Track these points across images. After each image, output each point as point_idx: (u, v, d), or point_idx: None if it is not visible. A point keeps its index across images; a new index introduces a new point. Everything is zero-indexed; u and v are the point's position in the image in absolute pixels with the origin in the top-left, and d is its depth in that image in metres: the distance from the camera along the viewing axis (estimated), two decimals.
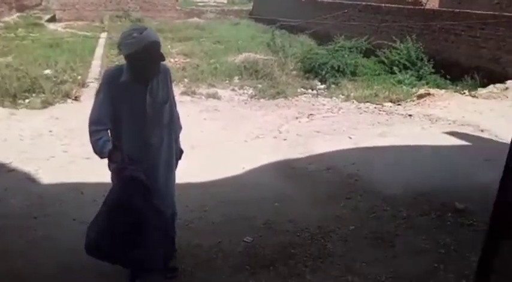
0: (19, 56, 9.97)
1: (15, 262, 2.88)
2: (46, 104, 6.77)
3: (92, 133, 2.41)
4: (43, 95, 7.15)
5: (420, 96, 7.68)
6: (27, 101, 7.00)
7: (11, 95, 7.03)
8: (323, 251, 3.11)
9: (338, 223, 3.50)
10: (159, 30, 15.71)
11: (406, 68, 9.21)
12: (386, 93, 7.87)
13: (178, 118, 2.78)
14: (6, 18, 18.07)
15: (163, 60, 2.44)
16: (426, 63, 9.16)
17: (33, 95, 7.24)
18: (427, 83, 8.69)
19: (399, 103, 7.42)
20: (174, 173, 2.75)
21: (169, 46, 12.70)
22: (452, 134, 5.70)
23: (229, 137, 5.52)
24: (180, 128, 2.80)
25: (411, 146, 5.26)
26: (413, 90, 8.14)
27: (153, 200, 2.35)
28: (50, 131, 5.52)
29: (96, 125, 2.43)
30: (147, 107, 2.47)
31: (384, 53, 9.74)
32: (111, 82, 2.46)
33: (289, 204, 3.81)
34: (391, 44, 9.79)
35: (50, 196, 3.81)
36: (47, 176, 4.22)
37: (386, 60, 9.60)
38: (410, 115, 6.65)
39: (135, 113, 2.47)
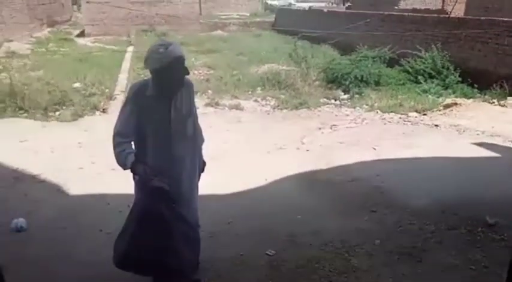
0: (50, 70, 10.33)
1: (43, 274, 2.95)
2: (75, 117, 7.00)
3: (116, 145, 2.48)
4: (73, 108, 7.39)
5: (447, 106, 7.52)
6: (57, 113, 7.25)
7: (42, 107, 7.29)
8: (347, 266, 3.06)
9: (363, 237, 3.45)
10: (183, 44, 16.01)
11: (431, 77, 9.03)
12: (412, 103, 7.73)
13: (201, 131, 2.82)
14: (38, 34, 18.83)
15: (188, 74, 2.50)
16: (452, 72, 8.95)
17: (64, 107, 7.48)
18: (454, 92, 8.48)
19: (425, 113, 7.28)
20: (197, 185, 2.78)
21: (193, 59, 12.92)
22: (481, 145, 5.54)
23: (252, 148, 5.54)
24: (203, 140, 2.85)
25: (438, 157, 5.14)
26: (440, 99, 7.97)
27: (179, 209, 2.38)
28: (79, 143, 5.68)
29: (120, 137, 2.49)
30: (171, 120, 2.52)
31: (408, 62, 9.59)
32: (137, 96, 2.52)
33: (312, 217, 3.77)
34: (415, 53, 9.63)
35: (77, 207, 3.91)
36: (75, 187, 4.34)
37: (410, 70, 9.44)
38: (436, 125, 6.52)
39: (160, 126, 2.53)
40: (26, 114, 7.05)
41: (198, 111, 2.82)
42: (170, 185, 2.41)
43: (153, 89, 2.49)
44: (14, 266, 3.00)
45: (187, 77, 2.62)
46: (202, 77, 10.44)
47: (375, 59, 9.74)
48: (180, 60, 2.41)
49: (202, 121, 2.81)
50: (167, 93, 2.50)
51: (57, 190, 4.29)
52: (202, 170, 2.84)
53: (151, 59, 2.39)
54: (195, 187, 2.77)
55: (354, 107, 7.80)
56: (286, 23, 19.06)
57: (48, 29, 20.90)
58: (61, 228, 3.53)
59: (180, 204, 2.50)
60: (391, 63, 10.06)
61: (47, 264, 3.05)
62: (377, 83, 9.10)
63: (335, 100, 8.42)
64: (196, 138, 2.71)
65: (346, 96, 8.65)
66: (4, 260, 3.07)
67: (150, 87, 2.49)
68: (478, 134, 6.01)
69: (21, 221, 3.51)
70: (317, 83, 9.37)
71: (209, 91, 8.88)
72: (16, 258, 3.11)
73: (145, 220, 2.29)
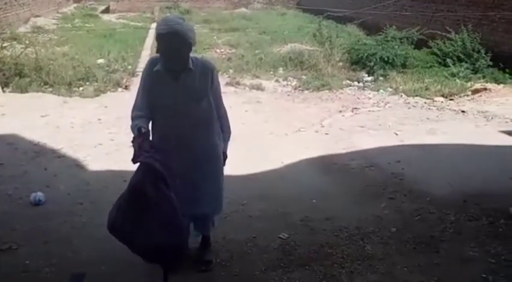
0: (75, 45, 10.44)
1: (59, 246, 3.01)
2: (98, 92, 7.08)
3: (132, 118, 2.49)
4: (96, 84, 7.48)
5: (475, 91, 7.21)
6: (81, 89, 7.35)
7: (67, 83, 7.41)
8: (361, 253, 3.00)
9: (379, 224, 3.37)
10: (206, 21, 15.95)
11: (460, 60, 8.66)
12: (438, 86, 7.46)
13: (226, 121, 2.71)
14: (64, 9, 19.03)
15: (184, 53, 2.41)
16: (483, 55, 8.54)
17: (87, 83, 7.58)
18: (484, 77, 8.12)
19: (452, 98, 7.01)
20: (215, 172, 2.70)
21: (215, 37, 12.82)
22: (509, 133, 5.30)
23: (270, 129, 5.47)
24: (229, 132, 2.74)
25: (463, 144, 4.95)
26: (468, 84, 7.65)
27: (167, 190, 2.25)
28: (99, 119, 5.74)
29: (136, 110, 2.51)
30: (173, 99, 2.48)
31: (437, 44, 9.21)
32: (148, 69, 2.54)
33: (328, 202, 3.71)
34: (445, 35, 9.23)
35: (95, 183, 3.96)
36: (93, 163, 4.40)
37: (439, 52, 9.07)
38: (463, 111, 6.27)
39: (164, 104, 2.51)
40: (50, 89, 7.18)
41: None
42: (169, 165, 2.30)
43: (160, 65, 2.47)
44: (31, 238, 3.09)
45: (209, 60, 2.63)
46: (224, 56, 10.36)
47: (402, 40, 9.40)
48: (172, 36, 2.32)
49: None
50: (170, 69, 2.45)
51: (76, 165, 4.35)
52: (224, 163, 2.74)
53: (156, 28, 2.39)
54: (209, 176, 2.66)
55: (378, 90, 7.59)
56: (312, 2, 18.59)
57: (74, 5, 21.09)
58: (78, 203, 3.59)
59: (182, 187, 2.44)
60: (419, 44, 9.69)
61: (62, 237, 3.12)
62: (403, 65, 8.81)
63: (358, 82, 8.21)
64: (210, 125, 2.60)
65: (370, 79, 8.41)
66: (22, 232, 3.17)
67: (159, 63, 2.48)
68: (506, 122, 5.75)
69: (39, 195, 3.59)
70: (340, 64, 9.14)
71: (230, 70, 8.80)
72: (33, 230, 3.19)
73: (130, 192, 2.26)
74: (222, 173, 2.77)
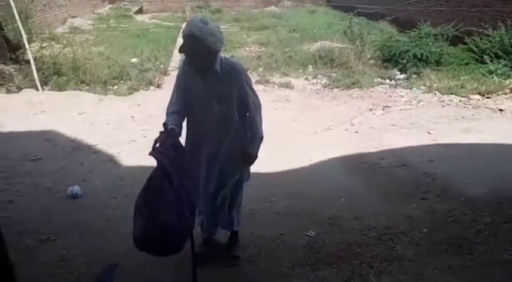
0: (110, 45, 10.76)
1: (94, 238, 3.14)
2: (131, 91, 7.28)
3: (166, 114, 2.59)
4: (129, 82, 7.69)
5: None
6: (115, 87, 7.58)
7: (102, 81, 7.67)
8: (391, 253, 2.96)
9: (410, 225, 3.30)
10: (236, 20, 16.04)
11: (498, 57, 8.30)
12: (475, 84, 7.19)
13: (257, 122, 2.69)
14: (100, 10, 19.61)
15: (204, 56, 2.42)
16: None
17: (121, 82, 7.81)
18: None
19: (488, 96, 6.75)
20: (233, 173, 2.73)
21: (245, 35, 12.86)
22: None
23: (299, 128, 5.46)
24: (260, 134, 2.72)
25: (499, 144, 4.77)
26: (507, 82, 7.32)
27: (168, 190, 2.25)
28: (132, 117, 5.91)
29: (171, 106, 2.61)
30: (199, 98, 2.56)
31: (474, 40, 8.87)
32: (182, 68, 2.64)
33: (357, 201, 3.67)
34: (482, 31, 8.87)
35: (128, 178, 4.08)
36: (127, 159, 4.54)
37: (475, 49, 8.72)
38: (501, 110, 6.03)
39: (192, 102, 2.59)
40: (87, 87, 7.45)
41: None
42: (184, 167, 2.33)
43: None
44: (68, 230, 3.23)
45: (239, 63, 2.68)
46: (253, 54, 10.38)
47: (436, 37, 9.11)
48: (190, 38, 2.36)
49: None
50: (196, 71, 2.52)
51: (110, 160, 4.51)
52: (250, 162, 2.75)
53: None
54: (228, 175, 2.71)
55: (410, 88, 7.40)
56: None
57: (109, 6, 21.69)
58: (112, 197, 3.72)
59: (204, 182, 2.53)
60: (454, 41, 9.37)
61: (97, 229, 3.24)
62: (438, 63, 8.54)
63: (390, 80, 8.03)
64: (232, 126, 2.62)
65: (402, 76, 8.22)
66: (60, 224, 3.31)
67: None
68: None
69: (76, 188, 3.74)
70: (372, 61, 8.98)
71: (260, 68, 8.82)
72: (70, 223, 3.33)
73: (145, 184, 2.32)
74: (242, 173, 2.79)
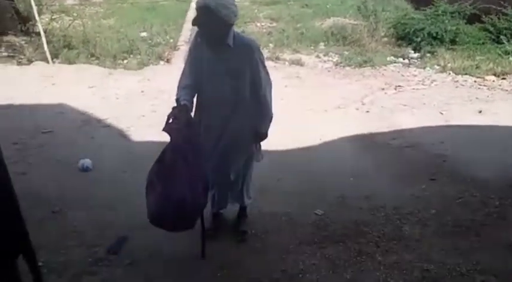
0: (120, 18, 10.65)
1: (104, 211, 3.20)
2: (141, 65, 7.24)
3: (178, 87, 2.56)
4: (139, 57, 7.64)
5: None
6: (125, 61, 7.54)
7: (112, 55, 7.62)
8: (398, 233, 2.97)
9: (418, 205, 3.30)
10: None
11: None
12: (490, 65, 7.01)
13: (268, 102, 2.67)
14: None
15: (216, 29, 2.39)
16: None
17: (131, 56, 7.76)
18: None
19: (504, 77, 6.59)
20: (242, 149, 2.73)
21: (256, 10, 12.60)
22: None
23: (309, 106, 5.40)
24: (270, 113, 2.71)
25: None
26: None
27: (182, 164, 2.28)
28: (142, 91, 5.90)
29: (183, 80, 2.58)
30: (211, 72, 2.51)
31: (491, 19, 8.59)
32: (194, 41, 2.59)
33: (366, 180, 3.67)
34: (500, 10, 8.58)
35: (138, 153, 4.10)
36: (136, 134, 4.56)
37: (492, 28, 8.46)
38: None
39: (204, 75, 2.54)
40: (97, 61, 7.42)
41: None
42: (197, 143, 2.37)
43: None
44: (79, 202, 3.29)
45: (253, 40, 2.65)
46: (264, 30, 10.20)
47: (453, 15, 8.83)
48: (203, 9, 2.33)
49: None
50: (207, 43, 2.47)
51: (120, 135, 4.53)
52: (260, 139, 2.75)
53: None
54: (240, 155, 2.72)
55: (424, 67, 7.25)
56: None
57: None
58: (121, 171, 3.76)
59: (214, 158, 2.55)
60: (471, 19, 9.08)
61: (107, 203, 3.29)
62: (453, 42, 8.31)
63: (403, 59, 7.86)
64: (244, 103, 2.59)
65: (416, 55, 8.04)
66: (71, 196, 3.37)
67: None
68: None
69: (87, 162, 3.78)
70: (385, 39, 8.78)
71: (270, 45, 8.69)
72: (81, 195, 3.39)
73: (158, 157, 2.37)
74: (253, 151, 2.79)
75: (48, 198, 3.33)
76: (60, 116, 4.95)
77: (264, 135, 2.74)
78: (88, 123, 4.79)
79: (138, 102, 5.50)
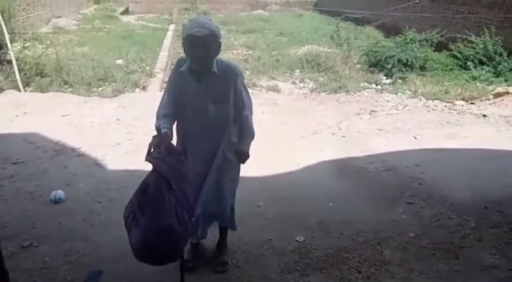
0: (95, 46, 10.62)
1: (79, 243, 3.06)
2: (116, 93, 7.18)
3: (157, 116, 2.52)
4: (114, 84, 7.59)
5: (497, 95, 7.05)
6: (100, 89, 7.47)
7: (86, 83, 7.55)
8: (378, 258, 2.97)
9: (397, 229, 3.32)
10: (223, 23, 16.00)
11: (482, 63, 8.49)
12: (459, 90, 7.32)
13: (249, 121, 2.66)
14: (85, 11, 19.38)
15: (214, 54, 2.43)
16: (505, 58, 8.36)
17: (106, 83, 7.70)
18: (506, 81, 7.93)
19: (472, 102, 6.88)
20: (228, 178, 2.69)
21: (232, 38, 12.85)
22: None
23: (287, 132, 5.45)
24: (252, 135, 2.69)
25: (484, 149, 4.84)
26: (490, 88, 7.49)
27: (167, 194, 2.21)
28: (118, 119, 5.81)
29: (162, 109, 2.55)
30: (194, 100, 2.51)
31: (458, 46, 9.05)
32: (175, 70, 2.59)
33: (345, 205, 3.68)
34: (465, 37, 9.06)
35: (114, 182, 4.01)
36: (112, 163, 4.45)
37: (459, 55, 8.91)
38: (484, 115, 6.14)
39: (185, 104, 2.54)
40: (70, 89, 7.32)
41: None
42: (181, 172, 2.31)
43: (185, 66, 2.51)
44: (51, 236, 3.15)
45: (235, 64, 2.66)
46: (240, 57, 10.37)
47: (421, 43, 9.28)
48: (190, 38, 2.35)
49: None
50: (194, 71, 2.47)
51: (94, 164, 4.42)
52: (242, 161, 2.69)
53: (187, 30, 2.40)
54: (223, 179, 2.66)
55: (396, 93, 7.50)
56: (330, 3, 18.48)
57: (95, 6, 21.46)
58: (96, 201, 3.65)
59: (198, 188, 2.49)
60: (439, 47, 9.55)
61: (81, 235, 3.16)
62: (422, 68, 8.69)
63: (376, 85, 8.13)
64: (228, 128, 2.58)
65: (388, 81, 8.33)
66: (43, 229, 3.23)
67: (185, 64, 2.51)
68: None
69: (59, 193, 3.65)
70: (358, 66, 9.08)
71: (247, 72, 8.81)
72: (54, 228, 3.25)
73: (138, 189, 2.31)
74: (234, 175, 2.75)
75: (18, 231, 3.17)
76: (32, 145, 4.80)
77: (246, 155, 2.69)
78: (61, 152, 4.66)
79: (114, 130, 5.41)
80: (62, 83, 7.49)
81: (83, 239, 3.11)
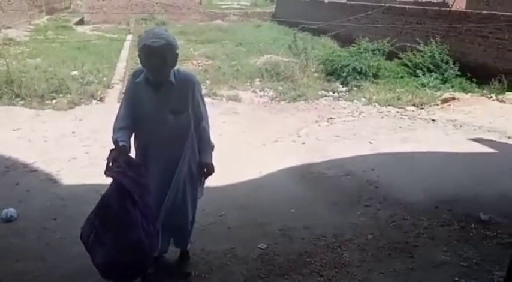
0: (48, 57, 10.24)
1: (33, 263, 2.93)
2: (72, 105, 6.95)
3: (113, 129, 2.46)
4: (69, 96, 7.34)
5: (445, 101, 7.48)
6: (54, 101, 7.20)
7: (39, 95, 7.25)
8: (339, 261, 3.05)
9: (356, 231, 3.43)
10: (182, 33, 15.95)
11: (430, 70, 8.98)
12: (410, 96, 7.69)
13: (208, 132, 2.67)
14: (37, 21, 18.68)
15: (171, 65, 2.43)
16: (451, 66, 8.90)
17: (60, 95, 7.43)
18: (452, 87, 8.44)
19: (422, 107, 7.25)
20: (191, 188, 2.67)
21: (191, 48, 12.82)
22: (478, 140, 5.52)
23: (248, 140, 5.50)
24: (211, 143, 2.70)
25: (434, 152, 5.12)
26: (438, 93, 7.93)
27: (131, 207, 2.20)
28: (73, 132, 5.64)
29: (119, 122, 2.48)
30: (152, 111, 2.48)
31: (408, 55, 9.53)
32: (131, 81, 2.55)
33: (306, 211, 3.75)
34: (414, 46, 9.57)
35: (70, 198, 3.88)
36: (68, 177, 4.31)
37: (409, 63, 9.38)
38: (433, 120, 6.48)
39: (143, 115, 2.50)
40: (22, 102, 7.01)
41: None
42: (143, 184, 2.30)
43: (142, 76, 2.48)
44: (2, 256, 2.99)
45: (192, 73, 2.65)
46: (200, 67, 10.36)
47: (374, 52, 9.68)
48: (147, 49, 2.34)
49: None
50: (151, 81, 2.45)
51: (49, 179, 4.26)
52: (207, 173, 2.68)
53: (143, 41, 2.37)
54: (186, 190, 2.62)
55: (352, 100, 7.76)
56: (287, 14, 18.90)
57: (47, 17, 20.75)
58: (51, 218, 3.51)
59: (159, 200, 2.46)
60: (390, 56, 10.00)
61: (36, 254, 3.03)
62: (375, 76, 9.06)
63: (333, 92, 8.37)
64: (187, 138, 2.55)
65: (344, 89, 8.61)
66: None
67: (142, 75, 2.49)
68: (475, 129, 5.98)
69: (11, 211, 3.48)
70: (316, 75, 9.32)
71: (207, 81, 8.82)
72: (5, 248, 3.09)
73: (97, 205, 2.29)
74: (197, 186, 2.73)
75: None
76: None
77: (211, 167, 2.68)
78: (12, 168, 4.45)
79: (69, 143, 5.24)
80: (13, 96, 7.16)
81: (37, 259, 2.98)
